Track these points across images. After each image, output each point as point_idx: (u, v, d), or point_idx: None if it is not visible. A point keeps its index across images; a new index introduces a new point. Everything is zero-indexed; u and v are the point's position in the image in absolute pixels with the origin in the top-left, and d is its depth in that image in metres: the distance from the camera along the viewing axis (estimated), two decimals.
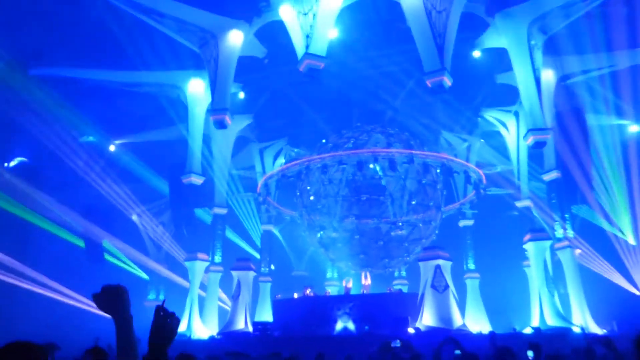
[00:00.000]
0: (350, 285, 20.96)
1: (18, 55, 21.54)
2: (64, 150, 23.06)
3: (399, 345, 6.56)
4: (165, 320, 2.44)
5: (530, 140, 17.90)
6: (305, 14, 16.51)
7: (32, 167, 24.59)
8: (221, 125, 19.36)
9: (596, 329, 18.08)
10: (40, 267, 24.22)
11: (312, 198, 21.29)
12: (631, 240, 21.44)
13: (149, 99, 23.76)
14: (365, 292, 20.79)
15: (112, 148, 27.00)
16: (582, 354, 6.22)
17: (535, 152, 20.43)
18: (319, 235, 21.54)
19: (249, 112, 24.74)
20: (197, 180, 22.18)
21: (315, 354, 5.63)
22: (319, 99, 25.22)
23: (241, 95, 24.21)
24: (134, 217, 27.95)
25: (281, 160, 25.01)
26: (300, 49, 16.56)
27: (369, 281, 21.13)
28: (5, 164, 23.92)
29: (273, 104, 25.19)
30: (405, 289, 23.30)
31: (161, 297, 27.79)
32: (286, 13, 17.35)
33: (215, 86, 19.18)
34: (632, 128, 22.57)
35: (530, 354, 6.44)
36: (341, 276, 25.59)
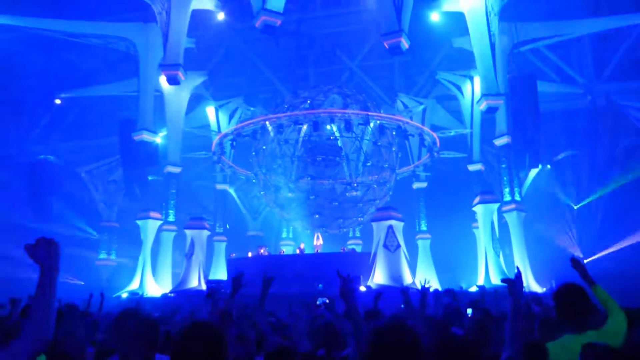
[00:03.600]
0: (302, 247, 21.20)
1: None
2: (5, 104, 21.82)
3: (324, 302, 6.66)
4: None
5: (484, 105, 18.21)
6: None
7: None
8: (174, 81, 18.74)
9: (536, 288, 19.10)
10: None
11: (267, 158, 21.13)
12: None
13: (98, 51, 22.64)
14: (318, 252, 21.09)
15: (57, 102, 25.84)
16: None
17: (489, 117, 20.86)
18: (274, 195, 21.53)
19: (203, 69, 24.02)
20: (149, 137, 21.56)
21: (268, 311, 5.70)
22: (276, 58, 24.77)
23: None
24: (83, 175, 27.04)
25: (237, 119, 24.55)
26: (256, 5, 16.09)
27: (320, 241, 21.42)
28: None
29: (229, 61, 24.52)
30: (358, 249, 23.75)
31: (112, 256, 27.27)
32: None
33: (167, 40, 18.42)
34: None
35: (469, 311, 6.82)
36: (296, 236, 25.81)
